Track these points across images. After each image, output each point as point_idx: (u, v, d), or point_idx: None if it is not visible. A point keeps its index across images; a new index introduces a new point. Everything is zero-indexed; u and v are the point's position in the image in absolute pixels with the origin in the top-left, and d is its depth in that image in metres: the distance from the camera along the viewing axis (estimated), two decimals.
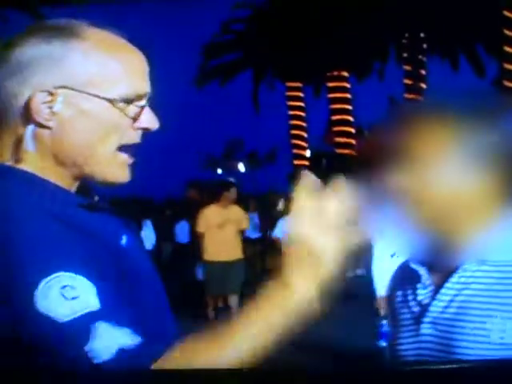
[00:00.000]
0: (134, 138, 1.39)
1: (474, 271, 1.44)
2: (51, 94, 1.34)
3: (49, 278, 1.26)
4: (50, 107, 1.34)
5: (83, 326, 1.26)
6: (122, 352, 1.25)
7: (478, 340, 1.41)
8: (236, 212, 8.74)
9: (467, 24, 18.23)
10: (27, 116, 1.35)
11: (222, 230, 8.55)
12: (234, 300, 8.83)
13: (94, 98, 1.35)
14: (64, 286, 1.27)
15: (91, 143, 1.37)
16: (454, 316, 1.44)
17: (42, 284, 1.26)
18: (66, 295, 1.26)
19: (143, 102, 1.37)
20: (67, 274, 1.28)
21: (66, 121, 1.36)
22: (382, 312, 4.71)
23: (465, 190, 1.39)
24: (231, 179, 11.48)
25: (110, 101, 1.34)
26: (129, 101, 1.35)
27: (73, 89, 1.35)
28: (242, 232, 9.14)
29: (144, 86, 1.38)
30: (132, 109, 1.35)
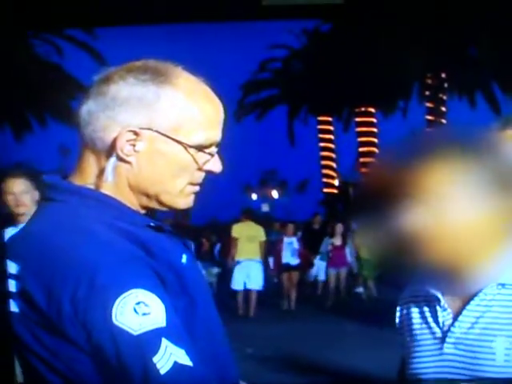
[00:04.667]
0: (201, 178, 1.45)
1: (495, 294, 1.39)
2: (136, 133, 1.32)
3: (126, 293, 1.23)
4: (134, 145, 1.33)
5: (150, 339, 1.22)
6: (174, 370, 1.21)
7: (503, 359, 1.36)
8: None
9: (484, 65, 18.32)
10: (111, 149, 1.34)
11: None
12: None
13: (173, 142, 1.34)
14: (139, 302, 1.24)
15: (164, 180, 1.37)
16: (478, 337, 1.39)
17: (119, 299, 1.23)
18: (138, 311, 1.24)
19: (214, 149, 1.42)
20: (142, 290, 1.25)
21: (144, 159, 1.35)
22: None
23: (478, 218, 1.33)
24: (265, 205, 11.26)
25: (186, 147, 1.34)
26: (202, 148, 1.39)
27: (157, 131, 1.33)
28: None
29: (217, 135, 1.38)
30: (202, 155, 1.42)
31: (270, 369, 6.15)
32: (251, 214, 10.33)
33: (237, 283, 9.66)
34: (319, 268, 10.93)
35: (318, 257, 10.95)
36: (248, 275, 9.67)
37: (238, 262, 9.63)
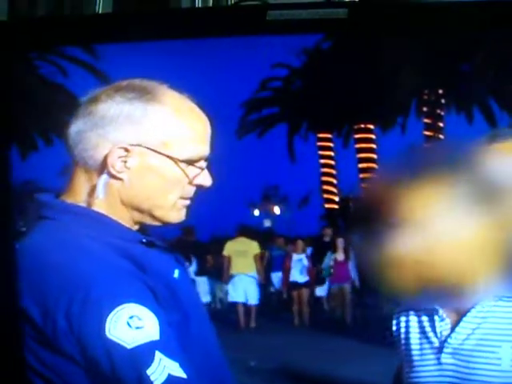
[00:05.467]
0: (191, 192, 1.51)
1: (492, 306, 1.52)
2: (127, 150, 1.40)
3: (119, 307, 1.34)
4: (125, 162, 1.41)
5: (144, 353, 1.32)
6: (168, 383, 1.31)
7: (501, 369, 1.51)
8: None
9: (481, 80, 18.38)
10: (103, 167, 1.43)
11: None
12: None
13: (163, 157, 1.41)
14: (132, 316, 1.35)
15: (156, 195, 1.44)
16: (475, 347, 1.50)
17: (113, 313, 1.34)
18: (132, 324, 1.33)
19: (203, 164, 1.46)
20: (135, 304, 1.35)
21: (136, 175, 1.43)
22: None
23: (472, 235, 1.41)
24: (267, 221, 11.36)
25: (176, 161, 1.43)
26: (192, 162, 1.44)
27: (146, 147, 1.41)
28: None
29: (206, 149, 1.44)
30: (193, 169, 1.47)
31: (272, 382, 6.16)
32: (245, 230, 10.52)
33: (232, 296, 9.77)
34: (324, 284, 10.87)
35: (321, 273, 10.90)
36: (245, 290, 9.78)
37: (232, 277, 9.81)
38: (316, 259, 11.85)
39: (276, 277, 11.32)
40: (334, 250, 11.48)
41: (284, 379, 6.49)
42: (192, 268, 11.02)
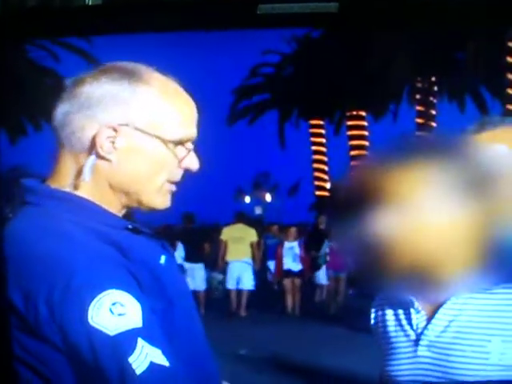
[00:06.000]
0: (179, 175, 1.44)
1: (468, 298, 1.43)
2: (115, 130, 1.35)
3: (102, 294, 1.24)
4: (113, 142, 1.36)
5: (126, 340, 1.22)
6: (150, 370, 1.19)
7: (477, 362, 1.39)
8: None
9: (473, 69, 18.40)
10: (91, 148, 1.37)
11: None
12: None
13: (151, 138, 1.36)
14: (114, 303, 1.24)
15: (144, 177, 1.38)
16: (451, 339, 1.42)
17: (95, 300, 1.23)
18: (114, 311, 1.23)
19: (190, 146, 1.43)
20: (118, 291, 1.25)
21: (124, 155, 1.37)
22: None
23: (453, 225, 1.32)
24: (258, 208, 11.35)
25: (165, 142, 1.37)
26: (179, 143, 1.40)
27: (135, 128, 1.36)
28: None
29: (193, 131, 1.42)
30: (180, 150, 1.40)
31: (263, 371, 6.15)
32: (242, 216, 10.52)
33: (228, 283, 9.85)
34: (319, 271, 10.77)
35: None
36: (239, 276, 9.84)
37: (227, 263, 9.86)
38: (311, 247, 11.02)
39: (272, 265, 11.13)
40: (330, 238, 11.12)
41: (274, 368, 6.45)
42: (180, 254, 10.87)
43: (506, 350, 1.38)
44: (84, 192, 1.38)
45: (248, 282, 10.02)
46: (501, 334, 1.38)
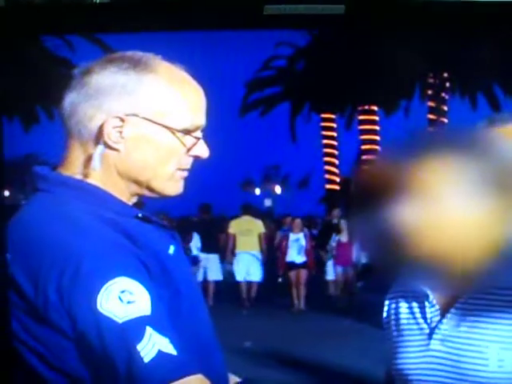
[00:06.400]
0: (188, 163, 1.42)
1: (484, 295, 1.40)
2: (122, 120, 1.34)
3: (111, 281, 1.23)
4: (120, 132, 1.35)
5: (135, 327, 1.22)
6: (158, 358, 1.19)
7: (482, 363, 1.37)
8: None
9: (485, 65, 18.33)
10: (98, 138, 1.36)
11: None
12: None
13: (159, 127, 1.36)
14: (123, 291, 1.24)
15: (153, 165, 1.38)
16: (465, 334, 1.40)
17: (105, 287, 1.23)
18: (123, 299, 1.23)
19: (199, 134, 1.41)
20: (127, 278, 1.24)
21: (132, 145, 1.37)
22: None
23: (473, 218, 1.30)
24: (268, 200, 11.27)
25: (173, 130, 1.37)
26: (188, 131, 1.38)
27: (142, 117, 1.36)
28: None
29: (201, 119, 1.41)
30: (189, 139, 1.38)
31: (268, 363, 6.14)
32: (249, 208, 10.48)
33: (237, 275, 9.85)
34: (327, 266, 10.62)
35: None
36: (248, 268, 9.83)
37: (235, 255, 9.85)
38: (320, 240, 10.98)
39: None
40: (338, 232, 10.65)
41: (278, 361, 6.44)
42: (197, 244, 10.91)
43: (504, 357, 1.38)
44: (94, 180, 1.38)
45: (256, 274, 10.00)
46: (499, 340, 1.39)
